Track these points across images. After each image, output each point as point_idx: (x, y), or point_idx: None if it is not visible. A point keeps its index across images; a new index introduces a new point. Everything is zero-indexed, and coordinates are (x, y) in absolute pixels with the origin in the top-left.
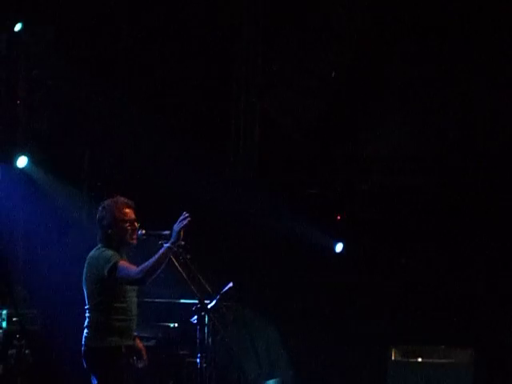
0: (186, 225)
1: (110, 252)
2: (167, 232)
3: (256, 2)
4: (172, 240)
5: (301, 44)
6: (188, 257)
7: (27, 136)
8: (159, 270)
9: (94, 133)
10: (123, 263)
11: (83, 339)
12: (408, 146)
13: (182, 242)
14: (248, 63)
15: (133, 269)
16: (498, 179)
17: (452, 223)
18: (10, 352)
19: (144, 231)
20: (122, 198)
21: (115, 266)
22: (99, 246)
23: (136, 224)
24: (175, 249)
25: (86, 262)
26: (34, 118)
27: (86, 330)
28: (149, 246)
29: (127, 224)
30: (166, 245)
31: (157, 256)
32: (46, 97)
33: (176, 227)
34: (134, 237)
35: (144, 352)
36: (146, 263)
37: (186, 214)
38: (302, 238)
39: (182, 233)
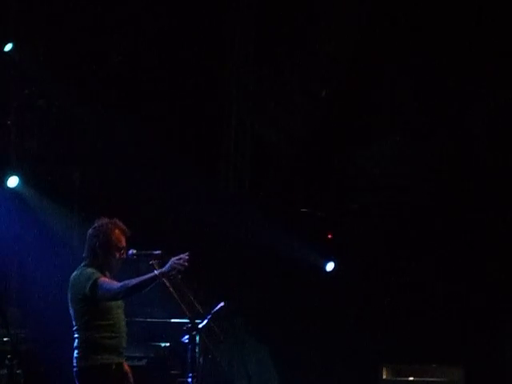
0: (182, 267)
1: (90, 270)
2: (158, 252)
3: (247, 20)
4: (163, 270)
5: (292, 62)
6: (179, 276)
7: (18, 156)
8: (140, 292)
9: (84, 152)
10: (104, 279)
11: (74, 360)
12: (399, 164)
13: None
14: (239, 81)
15: (114, 284)
16: (490, 196)
17: (443, 241)
18: (1, 372)
19: (135, 251)
20: (121, 224)
21: (96, 283)
22: (81, 265)
23: (124, 254)
24: (161, 280)
25: (70, 283)
26: (25, 138)
27: (75, 351)
28: (138, 264)
29: (118, 252)
30: (155, 272)
31: (142, 278)
32: (37, 117)
33: (174, 260)
34: (119, 264)
35: (130, 374)
36: (130, 281)
37: (187, 257)
38: (293, 257)
39: (175, 270)
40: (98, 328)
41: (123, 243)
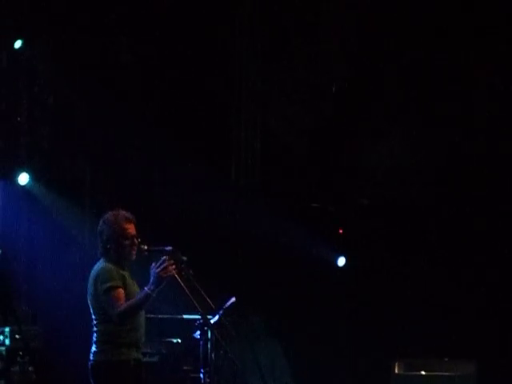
0: (167, 270)
1: (111, 271)
2: (169, 248)
3: (255, 15)
4: (150, 287)
5: (301, 56)
6: (191, 272)
7: (29, 153)
8: (139, 312)
9: (95, 149)
10: (116, 293)
11: (91, 354)
12: (410, 159)
13: (185, 258)
14: (248, 76)
15: (118, 304)
16: (499, 192)
17: (453, 236)
18: (13, 369)
19: (146, 247)
20: (124, 212)
21: (108, 292)
22: (101, 260)
23: (136, 240)
24: (154, 295)
25: (90, 276)
26: (35, 135)
27: (94, 345)
28: (151, 261)
29: (127, 240)
30: (145, 289)
31: (136, 300)
32: (47, 114)
33: (155, 270)
34: (133, 252)
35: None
36: (126, 306)
37: (166, 258)
38: (305, 252)
39: (162, 277)
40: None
41: (131, 231)
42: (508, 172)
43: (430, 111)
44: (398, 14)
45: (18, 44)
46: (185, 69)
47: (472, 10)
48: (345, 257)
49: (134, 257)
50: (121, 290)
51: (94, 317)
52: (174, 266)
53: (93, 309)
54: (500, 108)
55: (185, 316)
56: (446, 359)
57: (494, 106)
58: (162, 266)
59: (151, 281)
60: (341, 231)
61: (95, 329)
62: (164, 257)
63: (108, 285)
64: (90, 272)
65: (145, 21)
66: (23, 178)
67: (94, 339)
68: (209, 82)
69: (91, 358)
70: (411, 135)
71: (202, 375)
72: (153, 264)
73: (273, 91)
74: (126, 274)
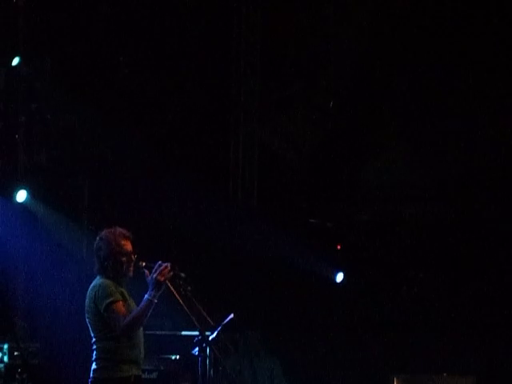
0: (163, 273)
1: (109, 287)
2: (166, 264)
3: (254, 30)
4: (150, 293)
5: (300, 73)
6: (189, 288)
7: (27, 170)
8: (145, 321)
9: (93, 166)
10: (118, 306)
11: (91, 371)
12: (409, 175)
13: (183, 274)
14: (247, 93)
15: (123, 317)
16: (501, 207)
17: (452, 251)
18: None
19: (144, 263)
20: (120, 229)
21: (110, 308)
22: (98, 277)
23: (133, 256)
24: (156, 301)
25: (88, 294)
26: (33, 152)
27: (94, 363)
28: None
29: (123, 257)
30: (146, 296)
31: (139, 310)
32: (45, 130)
33: (154, 276)
34: (130, 269)
35: None
36: (131, 318)
37: (165, 264)
38: (303, 268)
39: (160, 281)
40: (117, 338)
41: (127, 247)
42: (510, 187)
43: (430, 127)
44: (398, 29)
45: (15, 61)
46: (183, 86)
47: (473, 27)
48: (343, 273)
49: (132, 273)
50: (122, 303)
51: (93, 334)
52: (169, 268)
53: (92, 326)
54: (501, 122)
55: (183, 332)
56: (445, 374)
57: (494, 120)
58: (158, 271)
59: (150, 287)
60: (339, 247)
61: (95, 346)
62: (159, 261)
63: (109, 300)
64: (87, 289)
65: (142, 37)
66: (21, 195)
67: (94, 357)
68: (207, 99)
69: (91, 375)
70: (411, 151)
71: None
72: (146, 272)
73: (271, 108)
74: (124, 290)
